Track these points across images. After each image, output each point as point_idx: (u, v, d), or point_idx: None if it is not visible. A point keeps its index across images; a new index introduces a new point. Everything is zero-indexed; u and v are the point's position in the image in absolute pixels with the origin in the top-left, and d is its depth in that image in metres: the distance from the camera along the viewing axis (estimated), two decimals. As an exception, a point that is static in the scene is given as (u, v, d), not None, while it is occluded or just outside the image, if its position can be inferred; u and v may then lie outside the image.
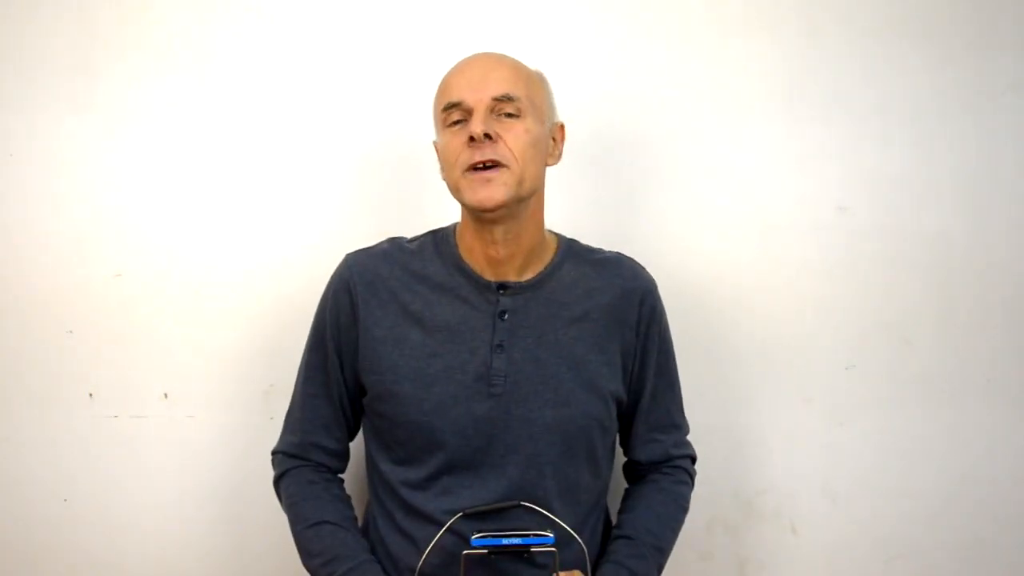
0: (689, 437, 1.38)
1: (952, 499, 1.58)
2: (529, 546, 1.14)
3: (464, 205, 1.20)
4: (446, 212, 1.32)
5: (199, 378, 1.49)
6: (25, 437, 1.48)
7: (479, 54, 1.23)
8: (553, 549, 1.13)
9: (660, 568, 1.26)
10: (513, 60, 1.22)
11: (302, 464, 1.28)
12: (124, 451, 1.48)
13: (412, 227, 1.35)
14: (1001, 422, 1.58)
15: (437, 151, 1.23)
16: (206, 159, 1.50)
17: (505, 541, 1.13)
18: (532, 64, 1.25)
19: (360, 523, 1.34)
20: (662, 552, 1.27)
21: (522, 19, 1.52)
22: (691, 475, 1.36)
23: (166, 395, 1.49)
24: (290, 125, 1.51)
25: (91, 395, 1.48)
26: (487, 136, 1.14)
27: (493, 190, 1.15)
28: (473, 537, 1.13)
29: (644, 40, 1.54)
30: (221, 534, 1.50)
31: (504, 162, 1.15)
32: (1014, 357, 1.58)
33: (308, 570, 1.23)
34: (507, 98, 1.16)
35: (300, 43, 1.51)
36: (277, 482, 1.30)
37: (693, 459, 1.37)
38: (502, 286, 1.22)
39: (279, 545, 1.51)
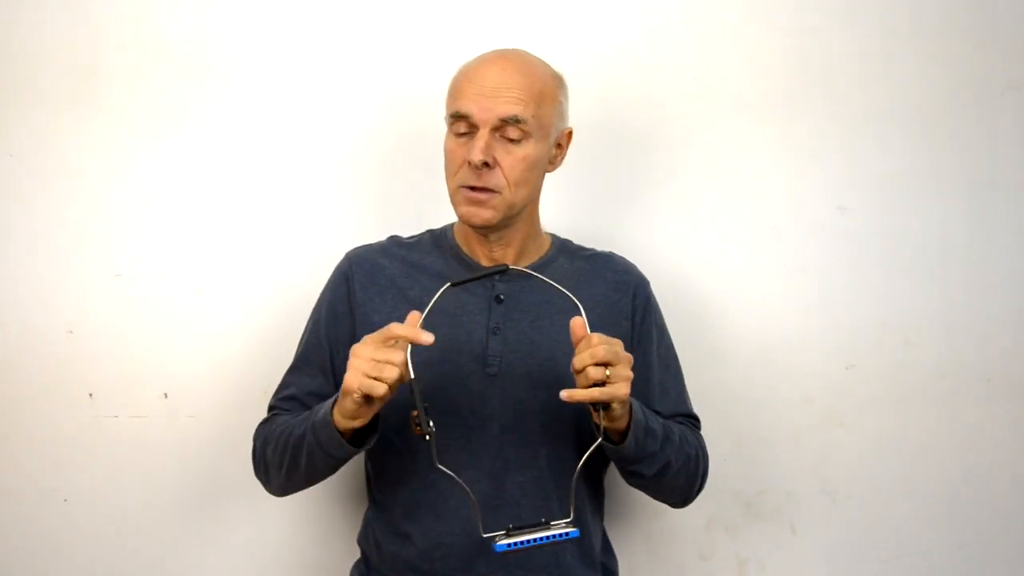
0: (690, 437, 1.38)
1: (952, 499, 1.58)
2: (553, 543, 1.09)
3: (457, 214, 1.24)
4: (446, 214, 1.32)
5: (199, 378, 1.49)
6: (25, 437, 1.47)
7: (496, 58, 1.21)
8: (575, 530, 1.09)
9: (664, 442, 1.19)
10: (529, 70, 1.20)
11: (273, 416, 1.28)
12: (124, 451, 1.48)
13: (413, 229, 1.36)
14: (1001, 422, 1.58)
15: (444, 145, 1.24)
16: (207, 160, 1.50)
17: (529, 541, 1.08)
18: (551, 62, 1.24)
19: (359, 529, 1.35)
20: (669, 436, 1.20)
21: (520, 20, 1.53)
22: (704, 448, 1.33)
23: (166, 395, 1.49)
24: (291, 126, 1.51)
25: (91, 395, 1.48)
26: (485, 164, 1.16)
27: (482, 211, 1.19)
28: (497, 543, 1.08)
29: (643, 40, 1.54)
30: (221, 534, 1.50)
31: (497, 189, 1.18)
32: (1014, 357, 1.58)
33: (288, 463, 1.19)
34: (514, 120, 1.17)
35: (303, 43, 1.51)
36: (255, 450, 1.27)
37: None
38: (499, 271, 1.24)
39: (280, 545, 1.51)
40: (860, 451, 1.57)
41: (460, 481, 1.09)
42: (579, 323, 1.09)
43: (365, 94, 1.51)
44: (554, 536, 1.08)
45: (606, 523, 1.38)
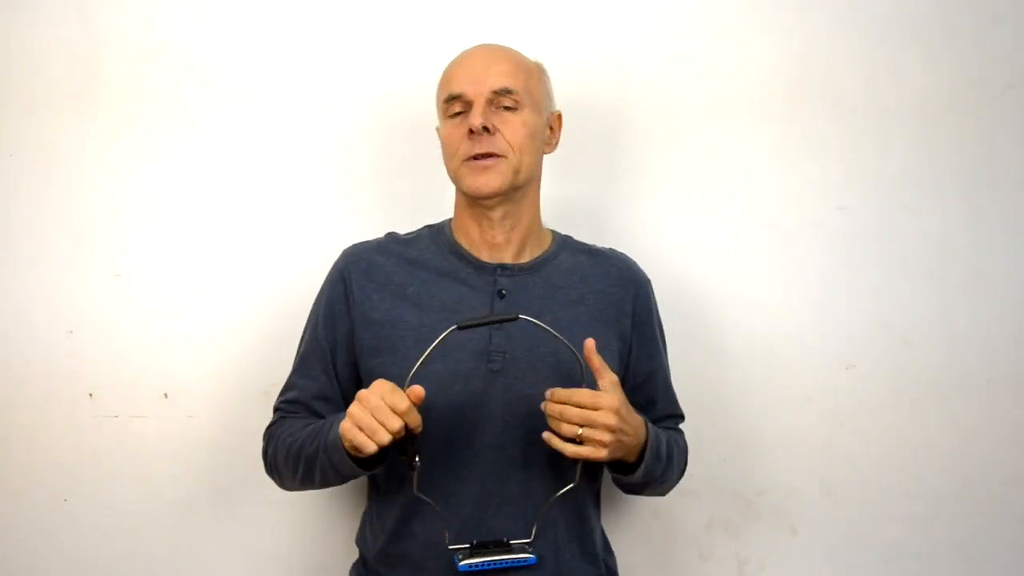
0: (690, 437, 1.38)
1: (952, 499, 1.58)
2: (510, 567, 1.14)
3: (463, 192, 1.24)
4: (444, 210, 1.32)
5: (199, 378, 1.49)
6: (25, 437, 1.48)
7: (480, 46, 1.26)
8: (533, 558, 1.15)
9: (666, 465, 1.23)
10: (512, 52, 1.25)
11: (284, 416, 1.28)
12: (124, 451, 1.48)
13: (412, 226, 1.35)
14: (1001, 422, 1.58)
15: (440, 138, 1.26)
16: (206, 160, 1.50)
17: (489, 564, 1.13)
18: (532, 57, 1.27)
19: (357, 529, 1.35)
20: (670, 456, 1.24)
21: (523, 18, 1.53)
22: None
23: (166, 395, 1.49)
24: (290, 126, 1.51)
25: (91, 395, 1.48)
26: (485, 129, 1.18)
27: (490, 178, 1.20)
28: (460, 562, 1.13)
29: (645, 40, 1.54)
30: (221, 534, 1.50)
31: (501, 153, 1.19)
32: (1014, 357, 1.58)
33: (301, 471, 1.20)
34: (506, 91, 1.20)
35: (299, 42, 1.51)
36: (265, 453, 1.28)
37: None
38: (500, 267, 1.25)
39: (280, 545, 1.51)
40: (860, 451, 1.56)
41: (438, 508, 1.14)
42: (591, 347, 1.10)
43: (362, 92, 1.51)
44: (511, 561, 1.13)
45: (605, 523, 1.38)
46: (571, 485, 1.15)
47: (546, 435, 1.11)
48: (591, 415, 1.09)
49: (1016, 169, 1.58)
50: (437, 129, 1.27)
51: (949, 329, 1.57)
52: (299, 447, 1.19)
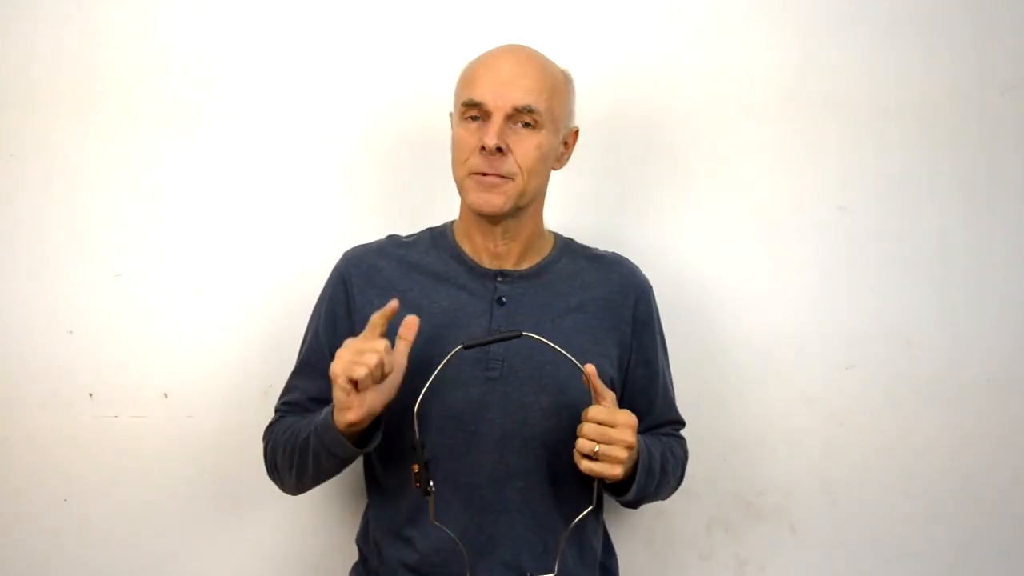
0: (690, 437, 1.38)
1: (952, 499, 1.58)
2: None
3: (465, 203, 1.23)
4: (446, 212, 1.32)
5: (199, 378, 1.49)
6: (25, 437, 1.48)
7: (509, 50, 1.22)
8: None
9: (660, 478, 1.22)
10: (542, 63, 1.21)
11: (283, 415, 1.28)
12: (124, 451, 1.48)
13: (414, 228, 1.35)
14: (1001, 423, 1.58)
15: (452, 135, 1.23)
16: (207, 159, 1.50)
17: None
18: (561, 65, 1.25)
19: (358, 528, 1.34)
20: (664, 468, 1.24)
21: (523, 25, 1.52)
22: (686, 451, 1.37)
23: (166, 395, 1.49)
24: (291, 126, 1.51)
25: (91, 395, 1.48)
26: (498, 149, 1.16)
27: (494, 198, 1.18)
28: None
29: (645, 40, 1.54)
30: (221, 534, 1.50)
31: (510, 176, 1.18)
32: (1015, 358, 1.58)
33: (292, 464, 1.20)
34: (527, 110, 1.17)
35: (302, 43, 1.51)
36: (265, 452, 1.28)
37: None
38: (500, 273, 1.25)
39: (280, 545, 1.51)
40: (860, 451, 1.56)
41: (454, 537, 1.12)
42: (592, 372, 1.10)
43: (365, 93, 1.51)
44: None
45: (606, 523, 1.38)
46: (590, 508, 1.13)
47: (584, 465, 1.10)
48: (608, 432, 1.08)
49: (1016, 169, 1.58)
50: (450, 115, 1.26)
51: (949, 329, 1.57)
52: (294, 437, 1.19)
